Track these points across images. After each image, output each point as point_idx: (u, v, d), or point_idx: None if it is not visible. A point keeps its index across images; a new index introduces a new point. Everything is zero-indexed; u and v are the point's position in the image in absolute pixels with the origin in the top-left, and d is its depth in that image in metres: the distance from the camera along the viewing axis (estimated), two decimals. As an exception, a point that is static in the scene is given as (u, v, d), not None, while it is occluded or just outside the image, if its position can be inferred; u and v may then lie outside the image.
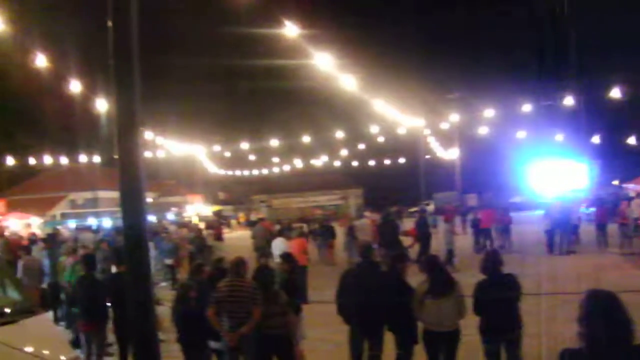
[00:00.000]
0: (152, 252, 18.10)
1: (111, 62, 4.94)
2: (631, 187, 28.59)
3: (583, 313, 3.77)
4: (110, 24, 4.93)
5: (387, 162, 59.12)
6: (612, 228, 22.99)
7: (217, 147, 48.59)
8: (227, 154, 51.51)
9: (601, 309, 3.72)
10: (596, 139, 40.19)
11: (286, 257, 10.25)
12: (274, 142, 42.79)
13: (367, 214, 31.11)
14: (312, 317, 9.94)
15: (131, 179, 4.95)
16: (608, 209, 24.23)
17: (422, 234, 21.86)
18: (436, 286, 7.90)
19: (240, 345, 7.92)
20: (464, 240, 26.27)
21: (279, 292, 8.38)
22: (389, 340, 8.57)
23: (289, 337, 8.25)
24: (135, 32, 4.91)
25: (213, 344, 8.40)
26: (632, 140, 37.66)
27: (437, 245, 21.46)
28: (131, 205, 5.00)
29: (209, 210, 60.88)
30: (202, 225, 36.97)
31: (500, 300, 7.61)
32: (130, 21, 4.88)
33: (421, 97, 46.67)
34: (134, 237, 4.98)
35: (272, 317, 7.97)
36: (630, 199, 24.30)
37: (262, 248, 22.42)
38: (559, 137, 40.74)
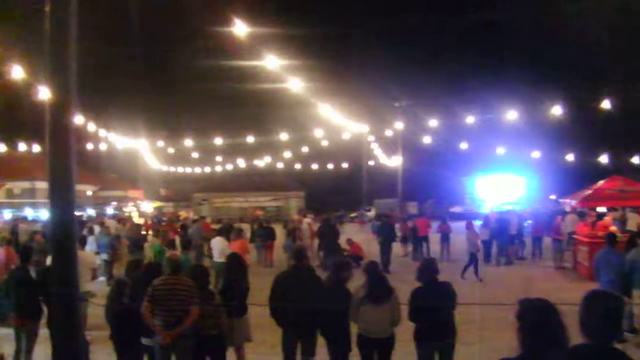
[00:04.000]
0: (93, 247, 17.72)
1: (47, 47, 4.77)
2: (567, 202, 29.19)
3: (522, 321, 3.78)
4: (47, 8, 4.77)
5: (330, 166, 59.12)
6: (549, 240, 23.48)
7: (160, 143, 47.88)
8: (171, 150, 50.81)
9: (539, 317, 3.74)
10: (536, 154, 40.95)
11: (234, 258, 10.03)
12: (218, 141, 42.34)
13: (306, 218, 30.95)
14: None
15: (61, 168, 4.74)
16: (544, 223, 24.73)
17: (386, 240, 22.17)
18: (373, 292, 7.88)
19: (174, 343, 7.75)
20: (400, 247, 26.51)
21: (213, 293, 8.28)
22: (323, 344, 8.48)
23: (223, 338, 8.15)
24: (73, 18, 4.75)
25: (144, 341, 8.19)
26: (570, 157, 38.54)
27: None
28: (60, 197, 4.80)
29: (150, 206, 59.93)
30: (141, 221, 36.43)
31: (435, 307, 7.64)
32: (68, 6, 4.71)
33: (367, 104, 47.05)
34: (61, 228, 4.79)
35: (206, 318, 7.86)
36: (564, 214, 24.88)
37: (199, 247, 22.20)
38: (501, 150, 41.38)
